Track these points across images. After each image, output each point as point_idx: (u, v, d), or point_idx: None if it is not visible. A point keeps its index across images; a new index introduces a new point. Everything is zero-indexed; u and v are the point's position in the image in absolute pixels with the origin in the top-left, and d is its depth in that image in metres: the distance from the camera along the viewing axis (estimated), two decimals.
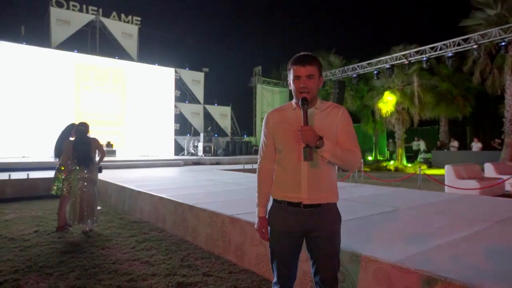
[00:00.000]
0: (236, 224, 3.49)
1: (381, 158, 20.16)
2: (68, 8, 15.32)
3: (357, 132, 22.61)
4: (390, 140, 20.69)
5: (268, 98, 21.24)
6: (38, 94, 14.19)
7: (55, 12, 15.03)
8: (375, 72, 15.54)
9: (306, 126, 1.61)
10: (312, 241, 1.75)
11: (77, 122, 4.94)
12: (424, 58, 13.84)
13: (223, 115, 20.75)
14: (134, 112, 16.81)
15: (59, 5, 15.13)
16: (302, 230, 1.74)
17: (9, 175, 7.73)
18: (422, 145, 18.33)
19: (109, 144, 14.82)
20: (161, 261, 3.48)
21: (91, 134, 4.89)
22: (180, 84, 19.21)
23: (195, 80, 19.74)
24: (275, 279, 1.82)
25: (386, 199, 4.90)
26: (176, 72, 18.70)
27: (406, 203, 4.51)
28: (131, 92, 16.84)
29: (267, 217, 1.84)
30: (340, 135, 1.73)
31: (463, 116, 18.13)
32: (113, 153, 14.58)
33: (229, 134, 20.15)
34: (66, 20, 15.32)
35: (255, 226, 1.87)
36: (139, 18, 17.56)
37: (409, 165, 16.59)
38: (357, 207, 4.21)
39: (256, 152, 17.87)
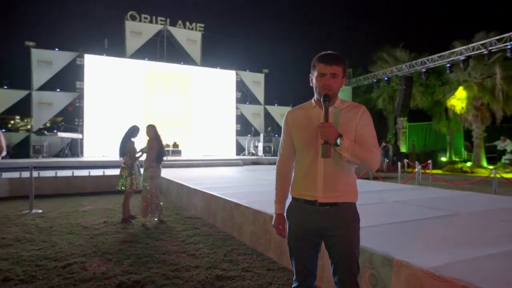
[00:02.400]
0: None
1: (456, 159, 18.32)
2: (140, 20, 16.90)
3: (428, 130, 20.78)
4: (466, 143, 18.62)
5: None
6: (115, 99, 15.88)
7: (129, 25, 16.69)
8: (448, 65, 14.17)
9: (327, 122, 1.59)
10: (329, 240, 1.72)
11: (145, 124, 5.47)
12: (508, 46, 12.22)
13: (283, 115, 20.49)
14: (198, 114, 17.83)
15: (133, 18, 16.75)
16: (318, 228, 1.72)
17: (89, 172, 8.80)
18: (509, 145, 16.13)
19: (175, 145, 15.91)
20: (205, 254, 3.67)
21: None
22: (241, 86, 19.78)
23: (256, 82, 20.15)
24: (294, 277, 1.82)
25: (446, 203, 4.48)
26: (237, 74, 19.33)
27: (469, 208, 4.08)
28: (195, 95, 17.89)
29: (285, 214, 1.86)
30: (359, 135, 1.68)
31: None
32: (178, 153, 15.61)
33: None
34: (139, 32, 16.90)
35: (272, 222, 1.90)
36: (203, 25, 18.55)
37: (490, 167, 14.80)
38: (409, 210, 3.93)
39: None
